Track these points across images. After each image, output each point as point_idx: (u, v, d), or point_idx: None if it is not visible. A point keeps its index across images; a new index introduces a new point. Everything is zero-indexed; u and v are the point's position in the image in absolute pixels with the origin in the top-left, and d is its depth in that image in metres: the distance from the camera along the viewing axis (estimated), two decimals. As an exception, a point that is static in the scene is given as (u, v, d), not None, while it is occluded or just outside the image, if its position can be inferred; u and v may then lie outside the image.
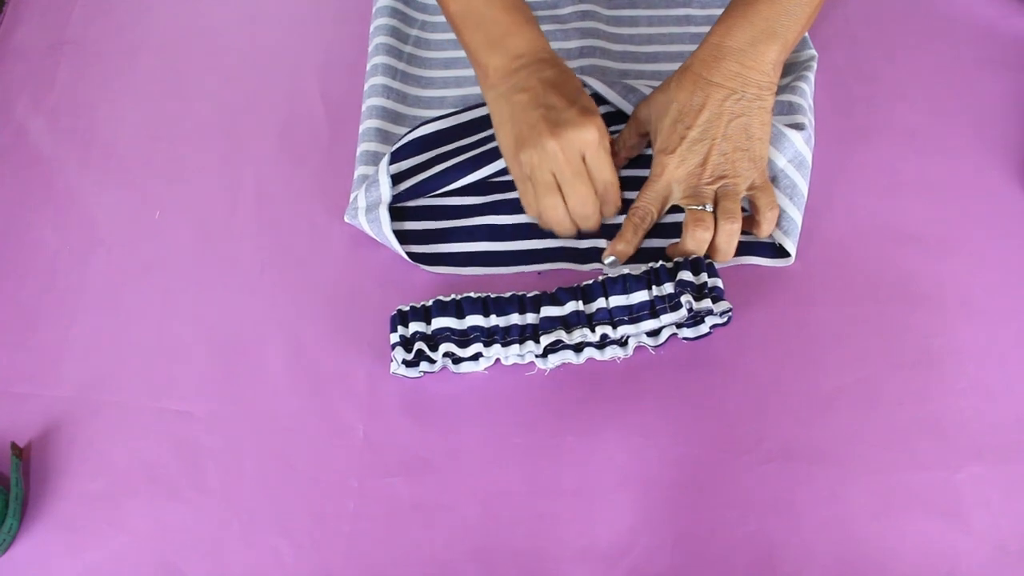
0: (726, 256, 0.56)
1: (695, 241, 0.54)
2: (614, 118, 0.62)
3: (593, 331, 0.52)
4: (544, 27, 0.66)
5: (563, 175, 0.53)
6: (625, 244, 0.56)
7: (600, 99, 0.62)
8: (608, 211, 0.57)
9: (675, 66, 0.65)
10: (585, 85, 0.61)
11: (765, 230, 0.57)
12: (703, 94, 0.55)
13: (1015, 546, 0.50)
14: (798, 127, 0.58)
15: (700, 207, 0.55)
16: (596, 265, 0.58)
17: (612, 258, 0.56)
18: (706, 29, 0.67)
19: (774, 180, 0.57)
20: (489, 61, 0.55)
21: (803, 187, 0.58)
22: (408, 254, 0.58)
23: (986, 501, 0.51)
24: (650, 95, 0.58)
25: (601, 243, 0.58)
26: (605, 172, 0.55)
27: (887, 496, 0.51)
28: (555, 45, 0.66)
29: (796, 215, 0.57)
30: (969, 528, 0.50)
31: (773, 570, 0.49)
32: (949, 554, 0.49)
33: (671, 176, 0.55)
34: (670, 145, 0.55)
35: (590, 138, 0.52)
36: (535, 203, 0.56)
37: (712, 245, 0.55)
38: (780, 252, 0.58)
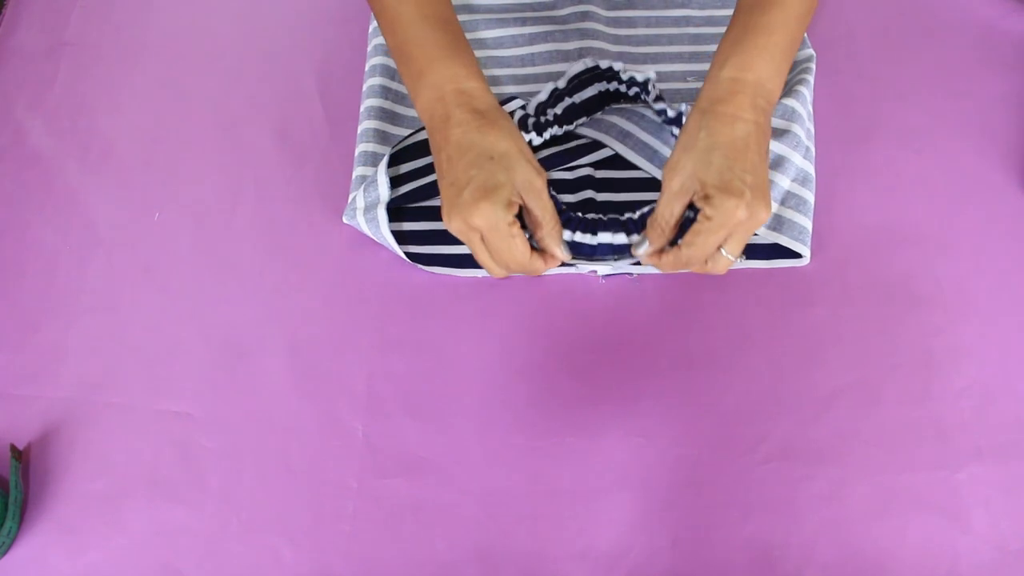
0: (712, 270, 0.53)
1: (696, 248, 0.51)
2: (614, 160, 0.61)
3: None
4: (543, 28, 0.66)
5: (474, 246, 0.52)
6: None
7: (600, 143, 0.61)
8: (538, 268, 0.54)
9: (674, 67, 0.66)
10: (582, 137, 0.61)
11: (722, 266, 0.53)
12: (743, 130, 0.50)
13: (1015, 546, 0.50)
14: (789, 134, 0.57)
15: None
16: (595, 266, 0.58)
17: (645, 246, 0.53)
18: (705, 30, 0.67)
19: (783, 202, 0.57)
20: (415, 103, 0.53)
21: (810, 198, 0.59)
22: (406, 254, 0.58)
23: (986, 501, 0.51)
24: (674, 158, 0.51)
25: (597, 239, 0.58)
26: (506, 255, 0.51)
27: (887, 496, 0.51)
28: (553, 46, 0.65)
29: (807, 224, 0.58)
30: (969, 528, 0.50)
31: (773, 570, 0.49)
32: (949, 554, 0.49)
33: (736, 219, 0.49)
34: (734, 187, 0.48)
35: (480, 223, 0.49)
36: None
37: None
38: (779, 253, 0.58)
